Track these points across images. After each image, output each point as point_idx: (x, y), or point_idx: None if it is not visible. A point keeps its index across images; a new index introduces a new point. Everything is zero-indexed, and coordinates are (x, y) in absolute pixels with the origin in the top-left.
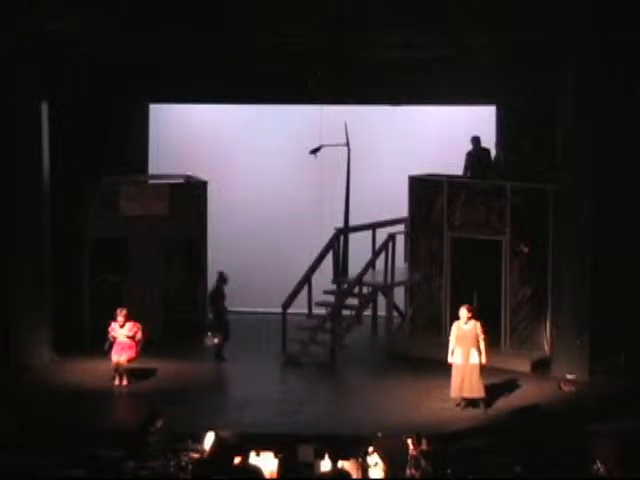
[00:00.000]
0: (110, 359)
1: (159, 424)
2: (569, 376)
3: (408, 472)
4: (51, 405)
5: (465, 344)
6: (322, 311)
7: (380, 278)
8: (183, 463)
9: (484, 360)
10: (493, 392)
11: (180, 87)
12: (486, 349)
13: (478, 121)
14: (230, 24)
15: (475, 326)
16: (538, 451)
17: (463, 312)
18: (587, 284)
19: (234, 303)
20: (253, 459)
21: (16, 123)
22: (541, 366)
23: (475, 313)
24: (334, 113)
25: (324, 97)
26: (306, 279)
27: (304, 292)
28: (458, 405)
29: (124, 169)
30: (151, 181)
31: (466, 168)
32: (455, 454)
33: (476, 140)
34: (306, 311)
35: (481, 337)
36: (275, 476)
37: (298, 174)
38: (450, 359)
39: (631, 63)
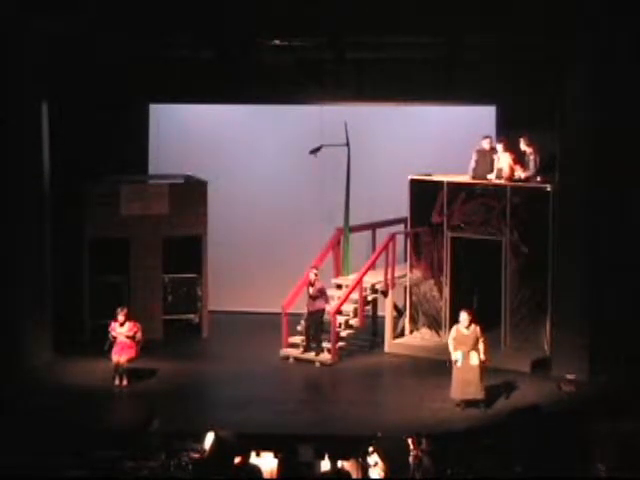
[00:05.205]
0: (110, 359)
1: (156, 423)
2: (569, 376)
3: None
4: (51, 405)
5: (465, 348)
6: None
7: (380, 278)
8: (183, 463)
9: (483, 358)
10: (493, 392)
11: (180, 87)
12: (487, 351)
13: (478, 121)
14: (230, 24)
15: (475, 330)
16: (538, 451)
17: (464, 316)
18: (587, 284)
19: (234, 303)
20: (253, 459)
21: (16, 123)
22: (541, 366)
23: (475, 317)
24: (334, 113)
25: (325, 96)
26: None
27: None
28: (458, 405)
29: (124, 169)
30: (151, 181)
31: (474, 165)
32: (455, 454)
33: (487, 139)
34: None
35: (481, 339)
36: (275, 476)
37: (298, 174)
38: (451, 359)
39: (631, 63)
